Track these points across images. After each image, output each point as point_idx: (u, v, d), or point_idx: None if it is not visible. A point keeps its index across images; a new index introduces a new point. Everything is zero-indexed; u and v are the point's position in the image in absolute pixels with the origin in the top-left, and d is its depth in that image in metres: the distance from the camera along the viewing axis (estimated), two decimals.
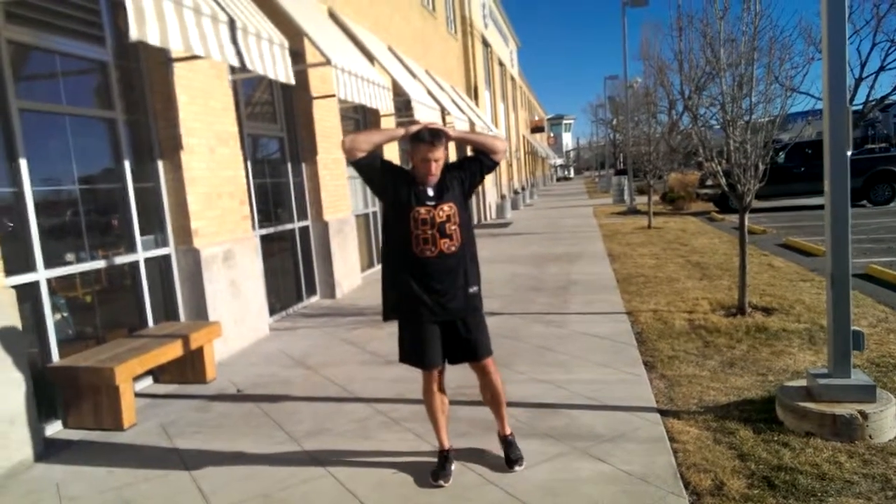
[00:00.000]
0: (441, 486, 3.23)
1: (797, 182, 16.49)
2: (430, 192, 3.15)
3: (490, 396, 3.42)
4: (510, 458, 3.37)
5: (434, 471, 3.32)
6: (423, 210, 3.12)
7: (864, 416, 3.42)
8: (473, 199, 14.36)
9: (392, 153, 11.04)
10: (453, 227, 3.15)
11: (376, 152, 3.22)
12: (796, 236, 11.51)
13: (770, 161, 5.87)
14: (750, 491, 2.99)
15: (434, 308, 3.18)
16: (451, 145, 3.59)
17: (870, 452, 3.29)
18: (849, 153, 3.60)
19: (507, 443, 3.44)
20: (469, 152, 3.39)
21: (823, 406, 3.54)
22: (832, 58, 3.55)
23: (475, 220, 18.64)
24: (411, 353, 3.28)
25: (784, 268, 8.73)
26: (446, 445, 3.40)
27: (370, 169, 3.23)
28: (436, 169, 3.14)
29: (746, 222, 6.22)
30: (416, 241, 3.13)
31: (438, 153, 3.12)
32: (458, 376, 4.32)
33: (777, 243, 11.37)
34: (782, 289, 7.31)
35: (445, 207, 3.14)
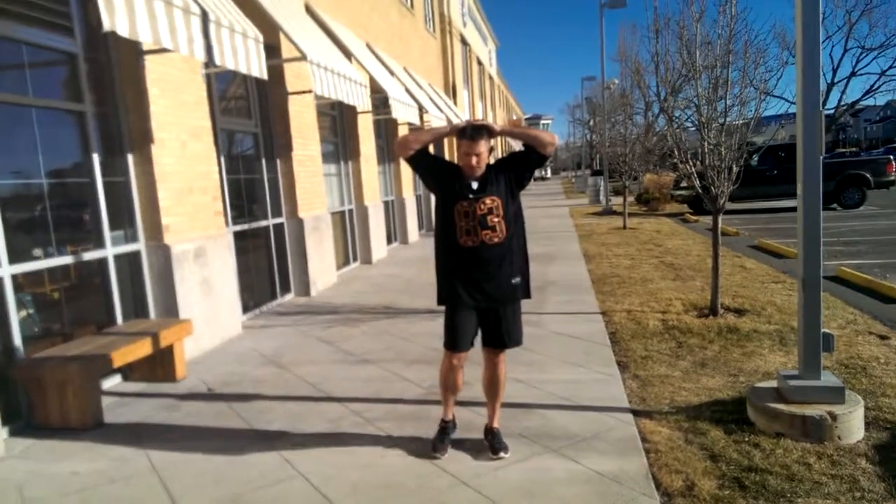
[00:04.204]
0: (437, 458, 3.45)
1: (770, 184, 16.75)
2: (474, 186, 3.34)
3: (490, 386, 3.58)
4: (494, 448, 3.47)
5: (433, 442, 3.57)
6: (465, 203, 3.31)
7: (834, 417, 3.46)
8: None
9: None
10: (496, 220, 3.31)
11: (425, 149, 3.49)
12: (768, 238, 11.68)
13: (743, 163, 5.93)
14: (720, 492, 3.01)
15: (475, 295, 3.37)
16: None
17: (838, 453, 3.34)
18: (821, 157, 3.65)
19: (493, 434, 3.56)
20: (520, 146, 3.55)
21: (793, 407, 3.58)
22: (806, 62, 3.59)
23: None
24: (447, 334, 3.47)
25: (756, 269, 8.85)
26: (449, 417, 3.65)
27: (420, 164, 3.50)
28: (477, 163, 3.32)
29: (720, 224, 6.28)
30: (460, 232, 3.33)
31: (479, 148, 3.31)
32: (429, 376, 4.35)
33: (749, 245, 11.52)
34: (754, 290, 7.40)
35: (487, 200, 3.31)
